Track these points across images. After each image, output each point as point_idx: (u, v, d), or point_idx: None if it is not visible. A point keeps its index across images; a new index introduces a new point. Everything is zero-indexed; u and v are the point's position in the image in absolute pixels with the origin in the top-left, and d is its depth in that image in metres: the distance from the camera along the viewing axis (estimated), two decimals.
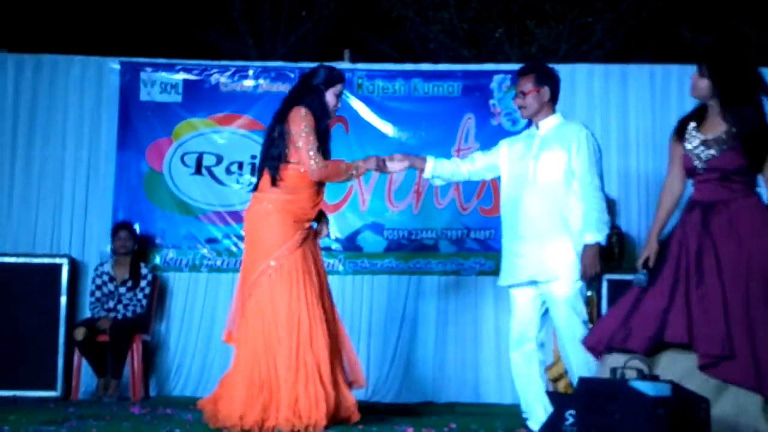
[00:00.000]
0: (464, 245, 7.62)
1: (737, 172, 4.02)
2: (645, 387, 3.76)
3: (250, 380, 4.77)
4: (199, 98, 7.80)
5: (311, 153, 4.96)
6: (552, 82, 5.00)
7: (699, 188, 4.13)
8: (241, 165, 7.75)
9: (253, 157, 7.68)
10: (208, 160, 7.76)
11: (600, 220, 4.73)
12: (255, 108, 7.78)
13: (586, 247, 4.72)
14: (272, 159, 5.05)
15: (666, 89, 7.77)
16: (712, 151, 4.06)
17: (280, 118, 5.10)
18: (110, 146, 7.74)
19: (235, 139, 7.78)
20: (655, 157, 7.68)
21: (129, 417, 5.47)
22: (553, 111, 5.00)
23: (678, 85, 7.75)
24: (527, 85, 4.96)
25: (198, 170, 7.75)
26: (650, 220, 7.56)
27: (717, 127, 4.09)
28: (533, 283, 4.86)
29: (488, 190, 7.54)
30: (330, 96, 5.16)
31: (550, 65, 5.07)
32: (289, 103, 5.15)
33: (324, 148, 5.09)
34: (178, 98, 7.79)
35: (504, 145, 5.17)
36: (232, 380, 4.87)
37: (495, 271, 7.45)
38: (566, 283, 4.76)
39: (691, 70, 7.82)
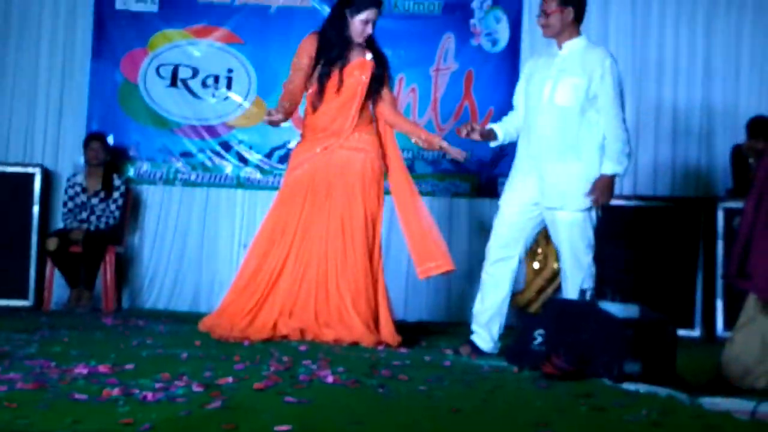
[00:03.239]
0: (440, 166, 7.61)
1: None
2: (614, 308, 3.83)
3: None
4: (176, 9, 7.66)
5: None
6: (577, 2, 4.88)
7: None
8: (217, 78, 7.65)
9: (230, 70, 7.63)
10: (184, 73, 7.65)
11: (622, 152, 4.70)
12: (232, 21, 7.66)
13: (603, 176, 4.71)
14: None
15: (647, 15, 7.70)
16: None
17: None
18: (85, 55, 7.64)
19: (212, 52, 7.67)
20: (634, 83, 7.66)
21: (101, 327, 5.49)
22: (578, 33, 4.89)
23: (659, 12, 7.69)
24: (551, 4, 4.84)
25: (173, 83, 7.65)
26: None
27: None
28: (536, 204, 4.85)
29: (465, 111, 7.52)
30: (357, 23, 5.18)
31: None
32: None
33: (325, 80, 5.23)
34: (154, 8, 7.66)
35: (526, 67, 5.14)
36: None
37: (470, 193, 7.55)
38: (573, 211, 4.75)
39: None
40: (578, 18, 4.89)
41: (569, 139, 4.74)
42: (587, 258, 4.78)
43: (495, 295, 4.91)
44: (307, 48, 5.26)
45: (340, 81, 5.22)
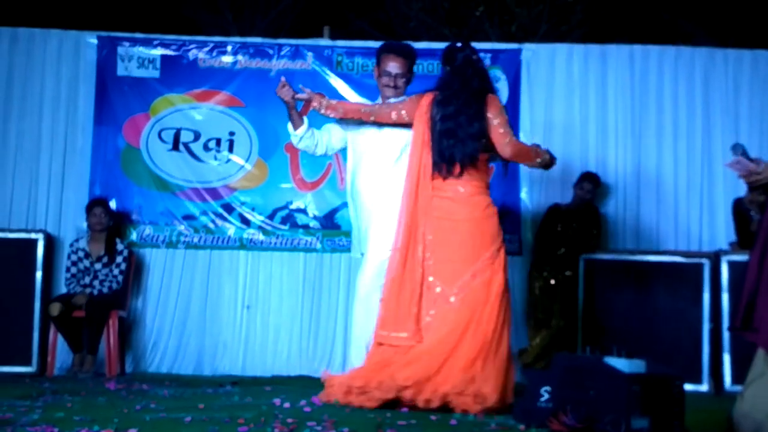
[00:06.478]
0: None
1: None
2: (620, 364, 3.79)
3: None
4: (177, 74, 7.74)
5: (503, 130, 4.71)
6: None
7: None
8: (219, 141, 7.70)
9: (231, 133, 7.68)
10: (186, 137, 7.71)
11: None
12: (233, 84, 7.74)
13: None
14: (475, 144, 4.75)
15: (645, 70, 7.77)
16: None
17: (477, 100, 4.75)
18: (87, 121, 7.68)
19: (213, 115, 7.74)
20: (633, 138, 7.71)
21: (104, 392, 5.44)
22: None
23: (657, 66, 7.77)
24: (403, 68, 5.15)
25: (175, 146, 7.70)
26: (628, 200, 7.65)
27: None
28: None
29: None
30: None
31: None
32: (484, 87, 4.81)
33: None
34: (156, 73, 7.74)
35: None
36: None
37: None
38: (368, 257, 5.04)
39: (671, 51, 7.90)
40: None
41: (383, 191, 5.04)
42: None
43: (358, 337, 5.08)
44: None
45: None
